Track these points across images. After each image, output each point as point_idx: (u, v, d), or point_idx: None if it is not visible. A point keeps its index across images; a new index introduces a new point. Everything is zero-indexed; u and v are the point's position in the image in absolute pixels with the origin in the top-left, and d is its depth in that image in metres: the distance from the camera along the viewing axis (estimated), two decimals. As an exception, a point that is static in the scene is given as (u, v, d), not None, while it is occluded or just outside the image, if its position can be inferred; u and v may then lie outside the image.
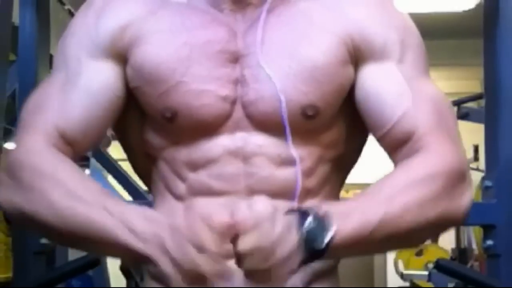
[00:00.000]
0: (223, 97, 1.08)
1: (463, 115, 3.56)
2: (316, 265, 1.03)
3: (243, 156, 1.08)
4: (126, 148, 1.19)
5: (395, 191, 1.00)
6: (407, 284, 6.41)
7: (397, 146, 1.08)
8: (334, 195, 1.17)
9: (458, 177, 1.04)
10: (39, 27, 2.12)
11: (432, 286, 3.97)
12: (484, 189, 2.05)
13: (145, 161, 1.17)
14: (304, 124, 1.08)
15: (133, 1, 1.13)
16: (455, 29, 5.98)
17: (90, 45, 1.11)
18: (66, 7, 2.63)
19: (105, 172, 2.51)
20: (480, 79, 2.36)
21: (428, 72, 1.13)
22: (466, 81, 6.47)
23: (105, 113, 1.10)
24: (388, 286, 8.13)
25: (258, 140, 1.09)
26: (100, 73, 1.10)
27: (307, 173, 1.09)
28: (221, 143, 1.09)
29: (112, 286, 3.62)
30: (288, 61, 1.08)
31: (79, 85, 1.09)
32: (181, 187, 1.11)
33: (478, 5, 2.57)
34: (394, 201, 0.98)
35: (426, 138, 1.05)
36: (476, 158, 4.74)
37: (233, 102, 1.09)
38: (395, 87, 1.09)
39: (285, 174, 1.08)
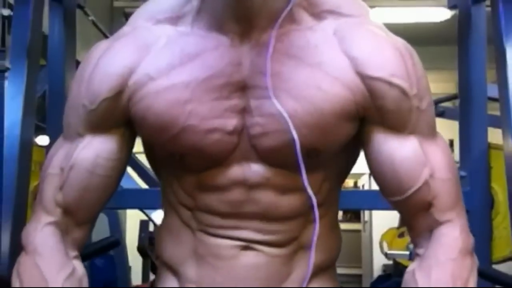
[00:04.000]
0: (230, 131, 0.96)
1: (440, 113, 3.56)
2: (317, 260, 1.01)
3: (250, 185, 0.98)
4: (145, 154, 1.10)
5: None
6: (390, 262, 6.41)
7: (415, 212, 0.99)
8: (335, 199, 1.09)
9: (472, 248, 1.02)
10: (66, 35, 2.12)
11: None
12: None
13: (157, 173, 1.11)
14: (306, 161, 0.96)
15: (124, 54, 0.98)
16: (433, 37, 5.97)
17: (86, 118, 1.00)
18: (90, 18, 2.63)
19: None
20: (455, 82, 2.36)
21: (435, 123, 1.01)
22: (443, 83, 6.45)
23: (101, 182, 1.02)
24: (374, 264, 8.12)
25: (263, 171, 0.98)
26: (96, 147, 1.00)
27: (314, 194, 0.99)
28: (229, 173, 0.98)
29: (130, 264, 3.63)
30: (293, 104, 0.94)
31: (76, 163, 1.00)
32: (189, 202, 1.03)
33: (453, 16, 2.57)
34: None
35: (448, 213, 0.99)
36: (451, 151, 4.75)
37: (240, 133, 0.97)
38: (411, 158, 0.96)
39: (290, 201, 1.00)
